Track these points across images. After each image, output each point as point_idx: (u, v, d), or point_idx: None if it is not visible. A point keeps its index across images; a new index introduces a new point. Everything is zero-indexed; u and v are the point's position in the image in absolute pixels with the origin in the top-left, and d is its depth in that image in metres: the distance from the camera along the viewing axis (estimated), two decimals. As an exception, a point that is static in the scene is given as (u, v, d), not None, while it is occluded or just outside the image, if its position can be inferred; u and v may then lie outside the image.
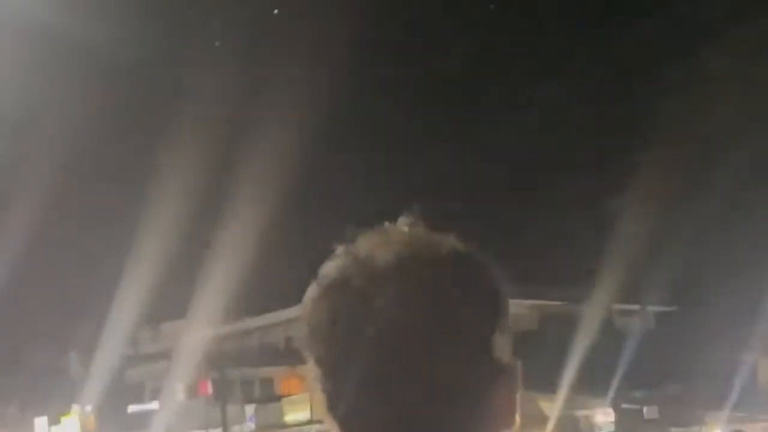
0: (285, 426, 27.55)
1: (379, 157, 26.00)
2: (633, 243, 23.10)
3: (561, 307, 26.23)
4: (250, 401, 30.23)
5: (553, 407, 21.49)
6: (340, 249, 0.91)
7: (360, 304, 0.86)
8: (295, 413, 27.08)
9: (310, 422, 25.80)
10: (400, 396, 0.85)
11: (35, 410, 32.83)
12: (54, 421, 31.99)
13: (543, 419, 21.00)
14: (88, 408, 26.99)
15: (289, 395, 28.87)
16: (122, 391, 27.52)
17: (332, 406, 0.88)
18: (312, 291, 0.91)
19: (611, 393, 20.05)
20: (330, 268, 0.91)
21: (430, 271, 0.87)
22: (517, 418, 0.91)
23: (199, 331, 23.63)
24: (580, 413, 21.97)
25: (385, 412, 0.85)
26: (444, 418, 0.86)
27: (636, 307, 26.87)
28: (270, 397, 30.17)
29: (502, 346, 0.89)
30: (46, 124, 20.16)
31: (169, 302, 22.75)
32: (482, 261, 0.91)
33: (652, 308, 27.35)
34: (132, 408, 30.13)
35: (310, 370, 0.91)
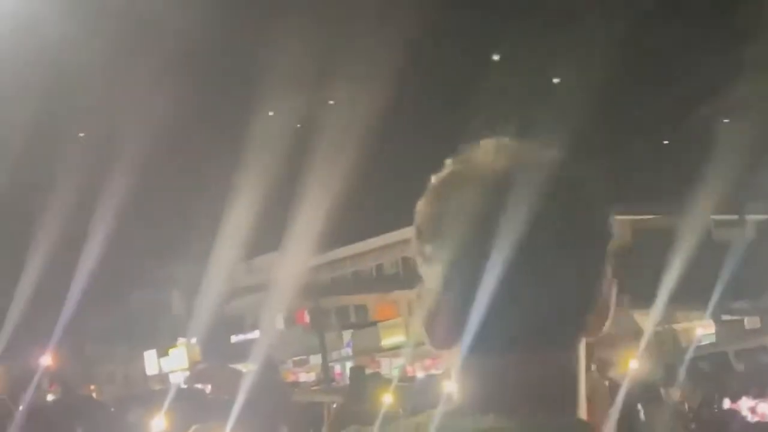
0: (382, 350, 28.14)
1: (471, 77, 25.58)
2: (730, 151, 22.29)
3: (656, 221, 25.73)
4: (346, 327, 30.98)
5: (650, 322, 21.26)
6: (448, 161, 0.93)
7: (475, 203, 0.87)
8: (391, 337, 27.61)
9: (405, 345, 26.30)
10: (518, 295, 0.85)
11: (144, 345, 34.52)
12: (162, 353, 33.61)
13: (640, 335, 20.83)
14: (193, 340, 28.19)
15: (384, 320, 29.44)
16: (224, 323, 28.53)
17: (445, 306, 0.88)
18: (426, 193, 0.92)
19: (711, 305, 19.66)
20: (441, 174, 0.92)
21: (547, 176, 0.88)
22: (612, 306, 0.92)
23: (293, 262, 24.17)
24: (679, 327, 21.71)
25: (503, 311, 0.85)
26: (559, 314, 0.87)
27: (734, 217, 26.10)
28: (365, 322, 30.83)
29: (608, 242, 0.91)
30: (147, 78, 20.68)
31: (263, 236, 23.29)
32: (597, 174, 0.92)
33: (751, 217, 26.54)
34: (234, 338, 31.33)
35: (423, 272, 0.91)
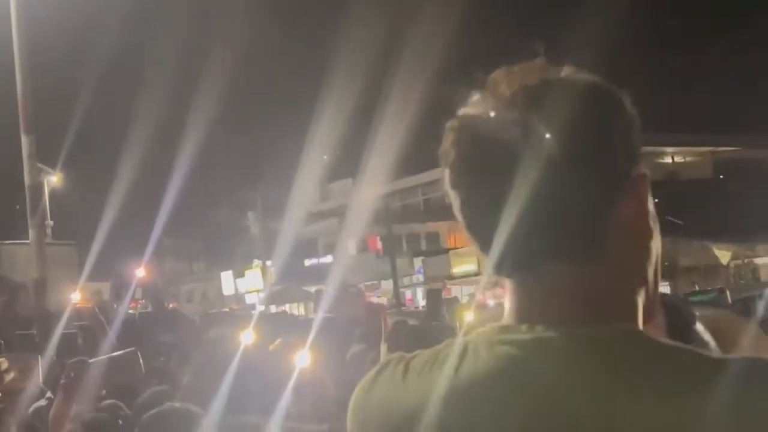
0: (452, 277, 28.29)
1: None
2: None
3: (737, 153, 24.94)
4: (417, 254, 31.20)
5: (729, 256, 20.82)
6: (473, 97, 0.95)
7: (481, 130, 0.91)
8: (462, 265, 27.68)
9: (477, 274, 26.38)
10: (520, 213, 0.88)
11: (221, 265, 35.49)
12: (238, 274, 34.51)
13: (719, 268, 20.46)
14: (269, 262, 28.84)
15: (456, 248, 29.53)
16: (298, 246, 29.12)
17: (468, 227, 0.94)
18: (446, 125, 0.96)
19: (794, 240, 19.10)
20: (463, 106, 0.96)
21: (552, 97, 0.90)
22: (652, 225, 0.92)
23: (365, 189, 24.31)
24: (760, 261, 21.21)
25: (503, 229, 0.89)
26: (570, 233, 0.89)
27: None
28: (437, 250, 30.98)
29: (626, 158, 0.91)
30: (235, 7, 20.81)
31: (338, 163, 23.48)
32: (610, 89, 0.93)
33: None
34: (308, 262, 31.92)
35: (451, 200, 0.96)
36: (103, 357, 2.94)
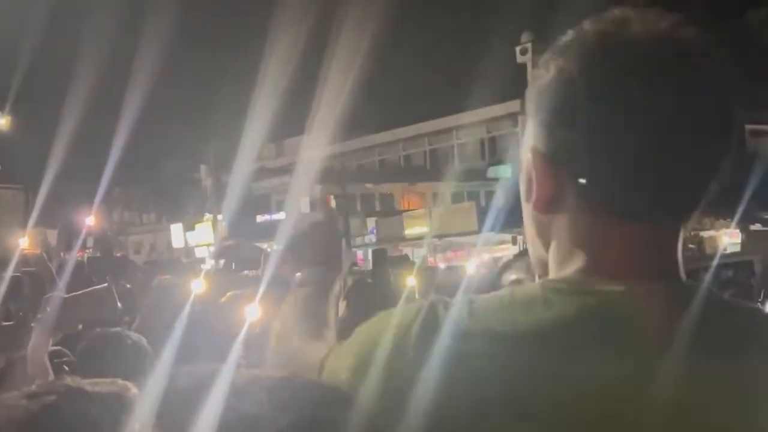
0: (405, 239, 28.41)
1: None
2: (764, 57, 21.65)
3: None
4: (370, 215, 31.22)
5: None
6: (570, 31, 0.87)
7: (633, 52, 0.83)
8: (415, 227, 27.80)
9: (428, 236, 26.51)
10: (659, 165, 0.83)
11: (171, 217, 35.10)
12: (189, 227, 34.18)
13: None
14: (220, 216, 28.58)
15: (409, 210, 29.61)
16: (250, 202, 28.84)
17: (558, 161, 0.85)
18: (555, 51, 0.87)
19: (738, 215, 19.56)
20: (563, 38, 0.88)
21: (704, 52, 0.86)
22: None
23: (320, 147, 24.15)
24: (705, 234, 21.66)
25: (631, 181, 0.84)
26: (695, 194, 0.88)
27: (769, 127, 25.61)
28: (390, 211, 31.04)
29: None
30: None
31: (294, 118, 23.26)
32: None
33: (788, 129, 26.02)
34: (260, 218, 31.73)
35: (530, 132, 0.87)
36: (79, 292, 2.87)
